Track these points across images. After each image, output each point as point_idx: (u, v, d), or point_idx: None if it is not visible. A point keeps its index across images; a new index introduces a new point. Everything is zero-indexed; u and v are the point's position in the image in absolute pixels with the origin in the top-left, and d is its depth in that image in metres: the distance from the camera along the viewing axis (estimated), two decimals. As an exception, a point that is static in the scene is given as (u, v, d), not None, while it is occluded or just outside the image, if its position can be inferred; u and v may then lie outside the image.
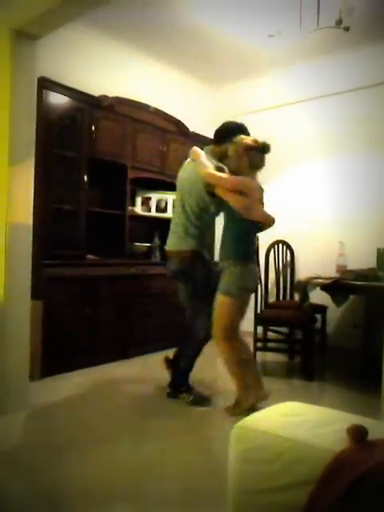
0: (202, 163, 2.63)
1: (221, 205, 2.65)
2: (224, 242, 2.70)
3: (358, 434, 0.99)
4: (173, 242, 2.80)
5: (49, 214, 3.32)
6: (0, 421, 2.47)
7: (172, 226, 2.84)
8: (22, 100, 2.61)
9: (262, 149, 2.61)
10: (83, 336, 3.48)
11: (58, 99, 3.36)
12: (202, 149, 2.76)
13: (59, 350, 3.31)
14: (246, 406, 2.54)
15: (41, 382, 3.11)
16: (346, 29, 2.90)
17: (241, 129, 2.73)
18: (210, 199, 2.64)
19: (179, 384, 2.87)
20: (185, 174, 2.83)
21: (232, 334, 2.63)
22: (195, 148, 2.78)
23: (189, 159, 2.85)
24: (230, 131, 2.71)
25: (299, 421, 1.15)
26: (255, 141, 2.62)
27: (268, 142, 2.63)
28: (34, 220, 2.73)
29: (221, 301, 2.62)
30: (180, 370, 2.88)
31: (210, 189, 2.60)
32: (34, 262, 2.74)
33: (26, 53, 2.60)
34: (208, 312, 2.68)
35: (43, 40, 2.67)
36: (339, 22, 2.89)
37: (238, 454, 1.13)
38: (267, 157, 2.67)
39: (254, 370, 2.75)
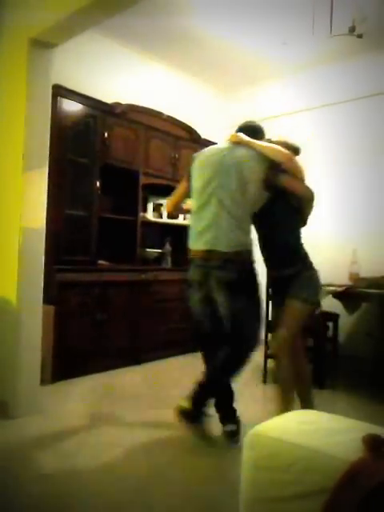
0: (265, 145, 2.28)
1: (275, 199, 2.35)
2: (291, 244, 2.41)
3: (373, 444, 0.97)
4: (229, 239, 2.23)
5: (61, 220, 3.35)
6: (11, 425, 2.48)
7: (210, 222, 2.24)
8: (36, 107, 2.64)
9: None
10: (95, 341, 3.48)
11: (71, 106, 3.40)
12: None
13: (70, 354, 3.32)
14: None
15: (52, 387, 3.11)
16: (360, 36, 2.90)
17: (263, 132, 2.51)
18: (264, 191, 2.31)
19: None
20: (220, 158, 2.29)
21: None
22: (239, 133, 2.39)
23: (225, 145, 2.39)
24: (258, 131, 2.46)
25: (313, 429, 1.14)
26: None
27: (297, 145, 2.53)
28: (46, 225, 2.75)
29: (300, 308, 2.33)
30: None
31: (274, 178, 2.27)
32: (46, 267, 2.76)
33: (42, 61, 2.64)
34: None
35: (57, 48, 2.71)
36: (352, 29, 2.89)
37: (251, 460, 1.12)
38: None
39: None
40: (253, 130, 2.42)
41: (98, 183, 3.58)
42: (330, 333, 3.78)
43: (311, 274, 2.41)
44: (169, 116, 4.23)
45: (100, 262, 3.67)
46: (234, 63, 4.45)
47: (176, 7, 3.53)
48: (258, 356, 3.88)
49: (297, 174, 2.30)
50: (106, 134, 3.64)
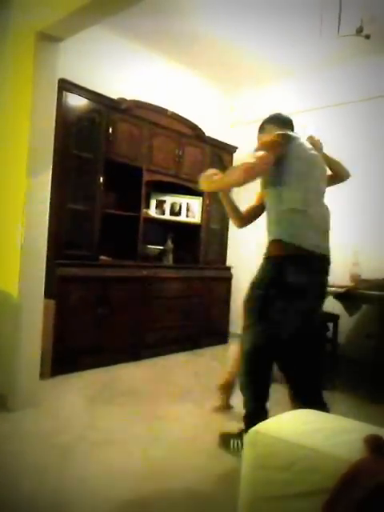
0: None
1: None
2: None
3: (375, 444, 0.97)
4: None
5: (64, 215, 3.34)
6: (9, 418, 2.48)
7: (323, 224, 2.23)
8: (42, 101, 2.63)
9: None
10: (94, 336, 3.49)
11: (76, 101, 3.39)
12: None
13: (70, 349, 3.32)
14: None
15: (51, 381, 3.11)
16: (367, 37, 2.89)
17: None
18: None
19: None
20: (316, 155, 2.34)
21: None
22: None
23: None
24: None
25: (314, 429, 1.14)
26: None
27: None
28: (49, 220, 2.74)
29: None
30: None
31: None
32: (47, 262, 2.75)
33: (49, 55, 2.63)
34: None
35: (63, 42, 2.70)
36: (360, 30, 2.87)
37: (251, 459, 1.12)
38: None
39: None
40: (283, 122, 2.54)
41: (101, 179, 3.57)
42: (330, 333, 3.78)
43: None
44: (173, 113, 4.22)
45: (101, 257, 3.67)
46: (240, 63, 4.43)
47: (182, 6, 3.51)
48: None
49: None
50: (110, 130, 3.63)
